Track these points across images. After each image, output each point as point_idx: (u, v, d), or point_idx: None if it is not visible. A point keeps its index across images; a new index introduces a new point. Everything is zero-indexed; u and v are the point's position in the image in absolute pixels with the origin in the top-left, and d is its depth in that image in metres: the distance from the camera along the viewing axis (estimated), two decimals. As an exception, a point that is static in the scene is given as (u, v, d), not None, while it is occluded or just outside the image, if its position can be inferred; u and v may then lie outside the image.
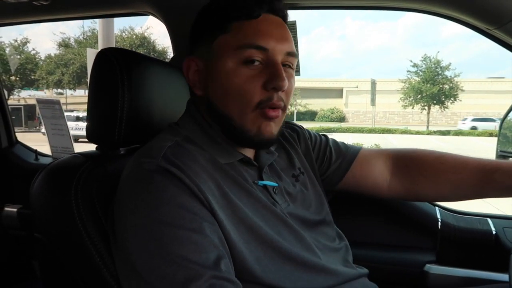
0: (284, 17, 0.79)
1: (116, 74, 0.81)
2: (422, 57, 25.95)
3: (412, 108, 26.22)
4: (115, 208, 0.69)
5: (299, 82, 29.09)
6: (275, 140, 0.78)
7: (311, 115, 31.79)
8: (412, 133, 22.28)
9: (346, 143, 1.04)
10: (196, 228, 0.62)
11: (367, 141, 14.64)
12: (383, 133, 21.99)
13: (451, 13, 1.08)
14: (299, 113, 29.09)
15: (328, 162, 0.99)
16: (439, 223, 1.24)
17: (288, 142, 0.96)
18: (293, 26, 1.27)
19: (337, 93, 34.83)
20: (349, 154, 1.00)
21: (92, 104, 0.84)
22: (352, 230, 1.04)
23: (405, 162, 0.98)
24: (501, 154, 1.49)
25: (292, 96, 0.80)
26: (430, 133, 22.51)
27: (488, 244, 1.18)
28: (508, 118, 1.28)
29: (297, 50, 1.33)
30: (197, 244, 0.61)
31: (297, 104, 20.03)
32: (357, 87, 33.97)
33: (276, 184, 0.82)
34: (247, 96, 0.72)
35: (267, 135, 0.75)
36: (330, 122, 30.20)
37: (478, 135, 20.79)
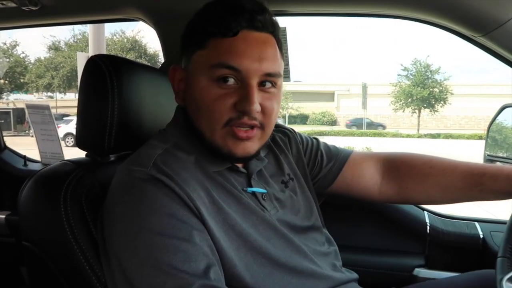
0: (271, 31, 0.76)
1: (106, 80, 0.81)
2: (413, 61, 26.20)
3: (403, 111, 26.42)
4: (105, 216, 0.69)
5: (290, 85, 29.19)
6: (254, 155, 0.78)
7: (302, 119, 31.86)
8: (403, 136, 22.44)
9: (337, 146, 1.05)
10: (185, 237, 0.63)
11: (359, 145, 14.72)
12: (374, 136, 22.12)
13: (438, 20, 1.09)
14: (290, 116, 29.15)
15: (320, 165, 1.00)
16: (428, 227, 1.25)
17: (278, 147, 0.97)
18: (282, 33, 1.27)
19: (329, 96, 34.99)
20: (340, 157, 1.01)
21: (82, 110, 0.84)
22: (342, 234, 1.05)
23: (395, 165, 1.00)
24: (488, 158, 1.51)
25: (275, 114, 0.78)
26: (420, 136, 22.70)
27: (476, 248, 1.20)
28: (497, 121, 1.31)
29: (286, 57, 1.35)
30: (187, 253, 0.61)
31: (289, 108, 20.08)
32: (348, 90, 34.15)
33: (265, 191, 0.83)
34: (216, 114, 0.72)
35: (241, 153, 0.75)
36: (322, 125, 30.29)
37: (467, 138, 21.00)
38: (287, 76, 1.31)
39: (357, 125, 26.63)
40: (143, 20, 1.27)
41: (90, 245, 0.74)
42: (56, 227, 0.74)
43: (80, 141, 0.86)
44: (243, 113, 0.71)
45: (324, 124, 30.90)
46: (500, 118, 1.37)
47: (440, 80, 25.66)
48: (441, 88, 25.40)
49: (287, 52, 1.28)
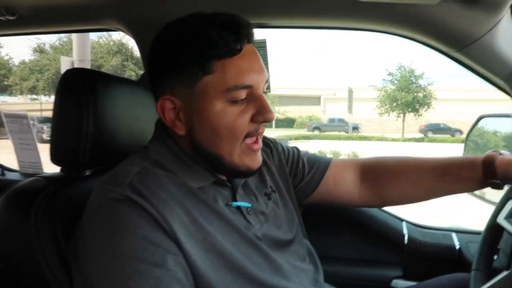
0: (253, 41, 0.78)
1: (80, 95, 0.80)
2: (397, 66, 26.56)
3: (388, 115, 26.73)
4: (78, 236, 0.68)
5: (277, 90, 29.28)
6: (261, 167, 0.81)
7: (289, 123, 31.99)
8: (388, 140, 22.68)
9: (316, 154, 1.07)
10: (158, 262, 0.62)
11: (344, 148, 14.83)
12: (360, 140, 22.30)
13: (413, 35, 1.11)
14: (277, 120, 29.23)
15: (302, 174, 1.01)
16: (406, 238, 1.27)
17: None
18: (263, 44, 1.28)
19: (315, 100, 35.21)
20: (322, 164, 1.02)
21: (56, 125, 0.83)
22: (320, 245, 1.05)
23: (371, 168, 1.02)
24: None
25: None
26: (405, 140, 22.97)
27: (452, 259, 1.22)
28: (478, 125, 1.35)
29: (267, 68, 1.36)
30: (159, 279, 0.61)
31: (276, 112, 20.11)
32: (334, 94, 34.43)
33: (250, 205, 0.83)
34: (237, 132, 0.73)
35: (256, 166, 0.79)
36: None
37: (451, 142, 21.33)
38: (267, 87, 1.31)
39: (433, 130, 26.28)
40: (122, 31, 1.26)
41: (60, 266, 0.72)
42: (25, 247, 0.72)
43: (54, 156, 0.84)
44: (261, 124, 0.75)
45: (311, 128, 31.10)
46: (478, 127, 1.40)
47: (424, 85, 26.07)
48: (425, 93, 25.80)
49: (267, 64, 1.29)
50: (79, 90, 0.80)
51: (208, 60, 0.70)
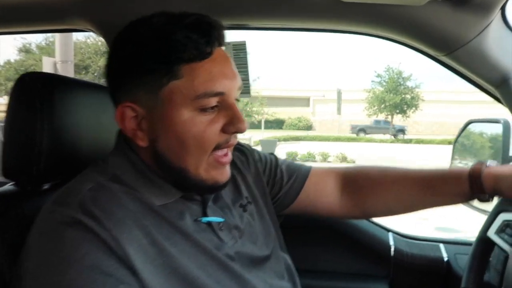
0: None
1: (34, 102, 0.73)
2: (386, 68, 26.77)
3: (376, 116, 26.91)
4: (21, 264, 0.60)
5: (266, 91, 29.26)
6: (229, 181, 0.75)
7: (278, 124, 32.00)
8: (376, 141, 22.84)
9: (295, 162, 1.01)
10: None
11: (333, 150, 14.86)
12: (348, 141, 22.40)
13: (400, 38, 1.06)
14: (267, 122, 29.27)
15: (280, 184, 0.94)
16: (392, 250, 1.22)
17: (236, 168, 0.90)
18: (242, 46, 1.22)
19: (304, 102, 35.30)
20: (301, 173, 0.96)
21: (8, 135, 0.76)
22: (303, 258, 1.00)
23: (353, 178, 0.97)
24: None
25: None
26: (393, 141, 23.14)
27: (440, 272, 1.17)
28: (468, 128, 1.32)
29: (247, 71, 1.29)
30: None
31: (265, 113, 20.09)
32: (323, 96, 34.55)
33: (222, 220, 0.76)
34: (206, 143, 0.67)
35: (224, 180, 0.72)
36: (298, 130, 30.51)
37: (438, 143, 21.55)
38: (247, 92, 1.25)
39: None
40: (92, 31, 1.18)
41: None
42: None
43: (6, 170, 0.77)
44: (233, 134, 0.69)
45: (300, 129, 31.14)
46: (466, 132, 1.38)
47: (412, 87, 26.30)
48: (412, 94, 26.04)
49: (247, 67, 1.22)
50: (32, 96, 0.73)
51: (174, 64, 0.64)
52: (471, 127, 1.45)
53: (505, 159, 1.19)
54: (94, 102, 0.88)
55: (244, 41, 1.21)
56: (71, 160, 0.80)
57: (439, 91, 32.71)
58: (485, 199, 0.84)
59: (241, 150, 0.95)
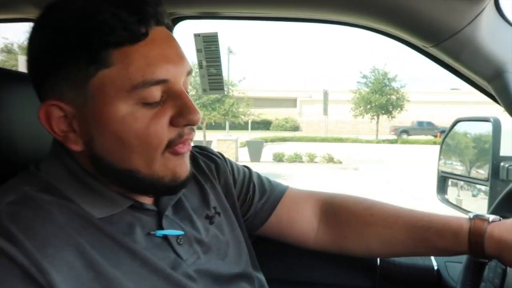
0: (167, 23, 0.61)
1: None
2: (371, 69, 26.92)
3: (362, 117, 27.04)
4: None
5: (252, 92, 29.16)
6: (191, 175, 0.64)
7: (265, 125, 31.94)
8: (362, 142, 22.94)
9: (271, 180, 0.89)
10: None
11: (319, 150, 14.85)
12: (335, 142, 22.44)
13: (386, 28, 0.98)
14: (254, 123, 29.16)
15: (251, 201, 0.84)
16: (378, 259, 1.13)
17: (203, 174, 0.80)
18: (214, 38, 1.11)
19: (291, 102, 35.32)
20: (275, 194, 0.85)
21: None
22: (281, 269, 0.91)
23: (334, 209, 0.85)
24: (442, 175, 1.43)
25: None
26: (379, 141, 23.28)
27: (429, 282, 1.08)
28: (455, 129, 1.32)
29: (220, 65, 1.19)
30: None
31: (252, 114, 20.02)
32: (310, 97, 34.62)
33: (181, 232, 0.66)
34: (153, 141, 0.57)
35: (184, 175, 0.62)
36: (285, 131, 30.50)
37: (423, 143, 21.74)
38: (220, 88, 1.14)
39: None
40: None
41: None
42: None
43: None
44: (185, 127, 0.60)
45: (287, 130, 31.15)
46: (454, 131, 1.36)
47: (397, 87, 26.50)
48: (398, 95, 26.23)
49: (219, 60, 1.12)
50: None
51: (100, 49, 0.53)
52: (460, 126, 1.39)
53: (495, 159, 1.13)
54: (31, 97, 0.77)
55: (216, 33, 1.11)
56: (5, 161, 0.70)
57: (425, 92, 33.08)
58: (484, 262, 0.73)
59: (211, 157, 0.85)
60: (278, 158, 14.44)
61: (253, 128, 27.56)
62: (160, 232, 0.63)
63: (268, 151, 15.36)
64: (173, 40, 0.61)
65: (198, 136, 15.56)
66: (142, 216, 0.63)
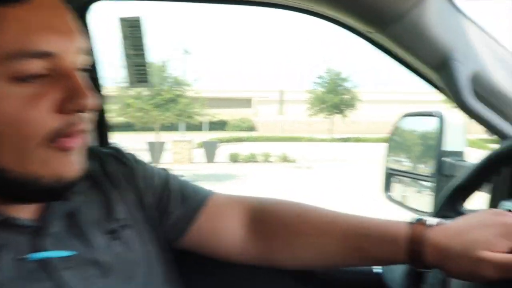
0: None
1: None
2: (327, 70, 27.65)
3: (318, 117, 27.66)
4: None
5: (207, 92, 28.94)
6: (80, 178, 0.53)
7: (222, 125, 31.81)
8: (317, 141, 23.40)
9: (194, 184, 0.77)
10: None
11: (275, 150, 14.95)
12: (291, 141, 22.74)
13: (328, 12, 0.89)
14: (211, 123, 28.94)
15: (167, 210, 0.71)
16: None
17: (111, 179, 0.67)
18: (137, 23, 0.98)
19: (246, 103, 35.40)
20: (195, 201, 0.73)
21: None
22: (216, 285, 0.84)
23: (262, 217, 0.75)
24: (389, 172, 1.40)
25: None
26: (333, 140, 23.86)
27: (369, 286, 1.01)
28: (402, 124, 1.30)
29: (144, 54, 1.06)
30: None
31: (208, 115, 19.84)
32: (266, 97, 34.89)
33: (71, 253, 0.53)
34: (28, 128, 0.46)
35: (71, 175, 0.50)
36: (241, 131, 30.52)
37: (374, 141, 22.47)
38: (144, 81, 1.01)
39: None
40: None
41: None
42: None
43: None
44: (75, 115, 0.50)
45: (244, 130, 31.21)
46: (401, 126, 1.35)
47: (349, 87, 27.37)
48: (350, 95, 27.08)
49: (144, 48, 0.99)
50: None
51: None
52: (406, 120, 1.37)
53: (439, 154, 1.09)
54: None
55: (139, 17, 0.98)
56: None
57: (377, 91, 34.31)
58: (424, 271, 0.68)
59: (124, 161, 0.71)
60: (234, 158, 14.40)
61: (210, 129, 27.41)
62: (35, 256, 0.50)
63: (224, 151, 15.29)
64: (63, 9, 0.52)
65: (152, 138, 15.18)
66: (11, 236, 0.50)
